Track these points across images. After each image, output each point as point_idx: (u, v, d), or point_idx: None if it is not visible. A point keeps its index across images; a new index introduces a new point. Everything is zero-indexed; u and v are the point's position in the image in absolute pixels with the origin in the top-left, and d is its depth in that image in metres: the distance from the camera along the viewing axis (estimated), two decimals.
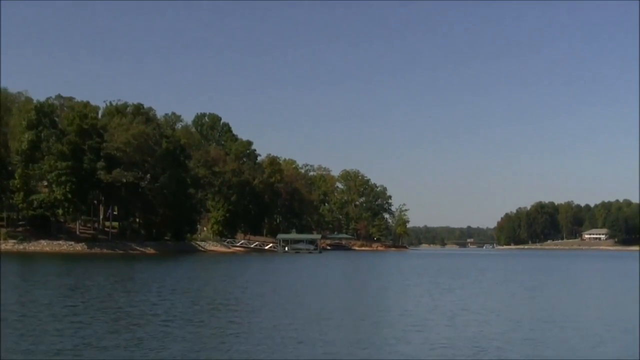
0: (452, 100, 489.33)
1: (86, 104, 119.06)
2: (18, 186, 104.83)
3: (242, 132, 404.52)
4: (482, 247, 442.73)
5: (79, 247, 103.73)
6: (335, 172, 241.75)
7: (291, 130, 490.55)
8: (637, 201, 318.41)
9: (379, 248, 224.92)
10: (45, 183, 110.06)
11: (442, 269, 69.66)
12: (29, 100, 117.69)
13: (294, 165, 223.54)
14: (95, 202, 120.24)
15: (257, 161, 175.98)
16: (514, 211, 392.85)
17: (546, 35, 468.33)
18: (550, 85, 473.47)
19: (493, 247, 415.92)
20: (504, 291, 40.56)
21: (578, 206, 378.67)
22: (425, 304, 32.43)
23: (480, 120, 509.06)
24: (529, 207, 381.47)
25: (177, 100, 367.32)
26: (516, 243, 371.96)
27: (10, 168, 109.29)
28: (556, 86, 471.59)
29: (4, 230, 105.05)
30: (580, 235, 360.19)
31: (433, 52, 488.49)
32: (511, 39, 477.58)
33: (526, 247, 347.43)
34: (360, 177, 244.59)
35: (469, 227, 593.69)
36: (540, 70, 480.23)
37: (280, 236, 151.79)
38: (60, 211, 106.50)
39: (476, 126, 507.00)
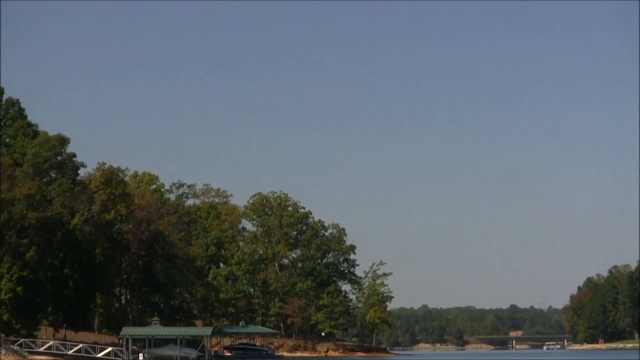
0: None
1: None
2: None
3: (48, 123, 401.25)
4: (542, 346, 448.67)
5: None
6: (241, 199, 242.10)
7: (145, 122, 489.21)
8: None
9: (332, 353, 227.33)
10: None
11: None
12: None
13: (154, 186, 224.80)
14: None
15: (80, 177, 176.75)
16: (604, 274, 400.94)
17: None
18: None
19: (562, 347, 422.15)
20: None
21: None
22: None
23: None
24: (633, 266, 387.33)
25: None
26: (608, 338, 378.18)
27: None
28: None
29: None
30: None
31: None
32: None
33: (629, 345, 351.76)
34: (291, 208, 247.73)
35: (512, 308, 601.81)
36: None
37: (128, 332, 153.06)
38: None
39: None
